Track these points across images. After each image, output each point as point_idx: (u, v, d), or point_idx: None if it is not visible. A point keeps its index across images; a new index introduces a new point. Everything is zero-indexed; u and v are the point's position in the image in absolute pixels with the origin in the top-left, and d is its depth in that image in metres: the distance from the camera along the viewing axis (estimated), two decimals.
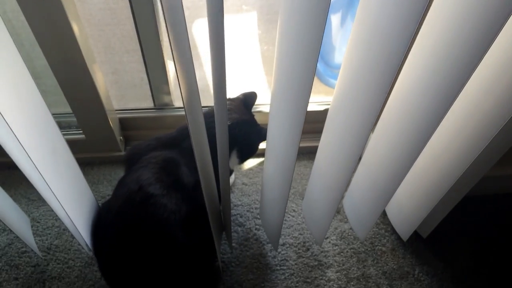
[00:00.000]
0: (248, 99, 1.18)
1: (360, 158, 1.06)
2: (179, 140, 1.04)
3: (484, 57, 0.59)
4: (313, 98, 1.38)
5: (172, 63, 0.57)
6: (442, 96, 0.68)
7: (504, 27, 0.54)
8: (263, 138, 1.12)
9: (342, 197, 1.32)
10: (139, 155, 1.04)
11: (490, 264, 1.22)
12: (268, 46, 1.91)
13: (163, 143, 1.06)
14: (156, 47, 1.22)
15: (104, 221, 1.00)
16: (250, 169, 1.41)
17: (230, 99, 1.15)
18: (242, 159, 1.15)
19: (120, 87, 1.69)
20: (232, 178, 1.36)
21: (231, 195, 1.34)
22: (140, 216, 0.91)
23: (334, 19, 1.74)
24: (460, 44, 0.62)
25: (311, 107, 1.41)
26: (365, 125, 0.73)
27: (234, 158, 1.12)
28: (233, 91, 1.17)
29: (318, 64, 1.72)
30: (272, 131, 0.91)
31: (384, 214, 1.30)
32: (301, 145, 1.45)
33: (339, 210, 1.31)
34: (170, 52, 0.54)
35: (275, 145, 0.91)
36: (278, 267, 1.18)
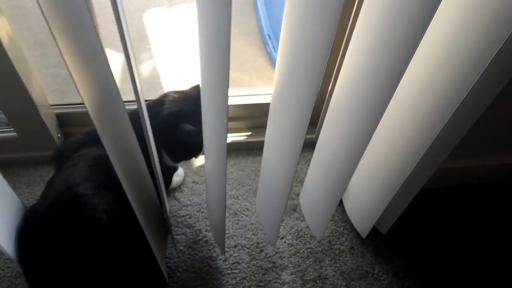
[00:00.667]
0: (197, 92, 1.06)
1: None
2: None
3: (427, 48, 0.62)
4: (269, 89, 1.31)
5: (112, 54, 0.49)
6: (383, 81, 0.66)
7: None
8: (191, 138, 0.99)
9: (298, 193, 1.25)
10: (69, 152, 0.94)
11: (451, 259, 1.17)
12: None
13: (94, 138, 0.95)
14: None
15: (29, 226, 0.91)
16: (202, 166, 1.32)
17: (174, 91, 1.05)
18: (174, 159, 1.05)
19: (62, 81, 1.57)
20: (180, 176, 1.26)
21: (180, 194, 1.24)
22: (69, 218, 0.83)
23: None
24: (391, 37, 0.62)
25: (265, 99, 1.33)
26: (303, 115, 0.69)
27: (166, 156, 1.02)
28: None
29: (275, 54, 1.66)
30: (204, 126, 0.85)
31: (342, 211, 1.23)
32: (255, 139, 1.40)
33: (295, 208, 1.24)
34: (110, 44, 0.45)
35: (207, 139, 0.87)
36: (229, 271, 1.09)
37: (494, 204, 1.32)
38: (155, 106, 0.99)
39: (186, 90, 1.05)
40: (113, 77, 0.61)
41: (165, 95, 1.02)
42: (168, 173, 1.09)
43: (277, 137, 0.88)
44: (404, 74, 0.62)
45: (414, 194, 1.00)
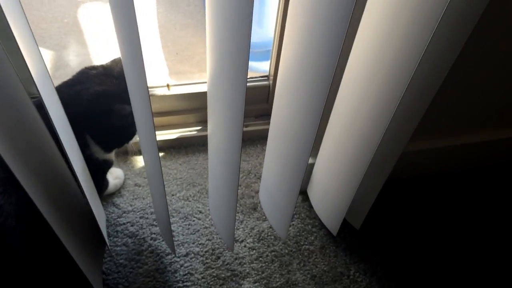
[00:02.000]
0: (120, 66, 0.90)
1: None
2: None
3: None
4: None
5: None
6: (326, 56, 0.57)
7: None
8: (121, 117, 0.85)
9: (258, 191, 1.10)
10: None
11: (431, 252, 1.04)
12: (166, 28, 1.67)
13: None
14: None
15: None
16: (144, 167, 1.15)
17: (91, 67, 0.88)
18: (104, 148, 0.88)
19: None
20: (120, 178, 1.08)
21: (120, 199, 1.06)
22: None
23: None
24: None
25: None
26: (238, 101, 0.59)
27: (94, 146, 0.85)
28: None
29: None
30: (135, 115, 0.74)
31: (309, 207, 1.08)
32: (206, 134, 1.24)
33: (255, 207, 1.08)
34: None
35: (140, 132, 0.74)
36: (181, 284, 0.92)
37: (465, 190, 1.20)
38: (71, 87, 0.81)
39: (104, 65, 0.89)
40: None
41: (81, 73, 0.85)
42: (100, 168, 0.91)
43: (217, 130, 0.76)
44: (352, 50, 0.57)
45: (382, 183, 0.88)
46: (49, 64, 1.43)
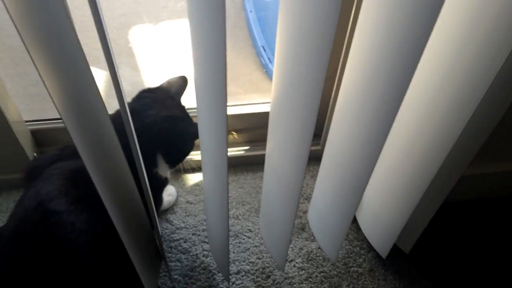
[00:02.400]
0: (175, 86, 0.97)
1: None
2: None
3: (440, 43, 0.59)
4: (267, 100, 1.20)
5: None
6: (393, 82, 0.58)
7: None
8: (193, 135, 0.91)
9: (306, 211, 1.12)
10: (42, 168, 0.80)
11: (484, 278, 1.03)
12: None
13: (72, 152, 0.82)
14: None
15: None
16: (196, 184, 1.18)
17: (149, 90, 0.93)
18: (172, 164, 0.94)
19: (41, 100, 1.44)
20: (173, 195, 1.12)
21: (173, 216, 1.10)
22: (39, 240, 0.70)
23: None
24: (398, 32, 0.55)
25: (266, 108, 1.21)
26: (307, 123, 0.61)
27: (162, 164, 0.90)
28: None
29: (270, 65, 1.56)
30: (200, 134, 0.75)
31: (357, 228, 1.09)
32: (254, 153, 1.27)
33: (304, 227, 1.09)
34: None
35: (204, 150, 0.76)
36: None
37: None
38: (139, 113, 0.87)
39: (161, 86, 0.96)
40: (96, 86, 0.52)
41: (141, 97, 0.91)
42: (160, 185, 0.95)
43: (279, 150, 0.77)
44: (416, 72, 0.53)
45: (437, 207, 0.88)
46: (102, 84, 1.49)
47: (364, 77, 0.65)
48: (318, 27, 0.51)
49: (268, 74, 1.59)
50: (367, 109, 0.66)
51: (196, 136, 0.90)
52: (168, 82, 0.98)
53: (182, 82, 0.98)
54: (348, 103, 0.73)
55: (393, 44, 0.56)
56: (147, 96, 0.91)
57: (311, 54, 0.55)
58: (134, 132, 0.63)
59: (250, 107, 1.21)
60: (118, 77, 0.51)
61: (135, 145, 0.61)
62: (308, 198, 1.16)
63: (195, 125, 0.89)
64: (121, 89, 0.54)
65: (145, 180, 0.67)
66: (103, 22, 0.46)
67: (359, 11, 0.64)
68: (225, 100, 0.56)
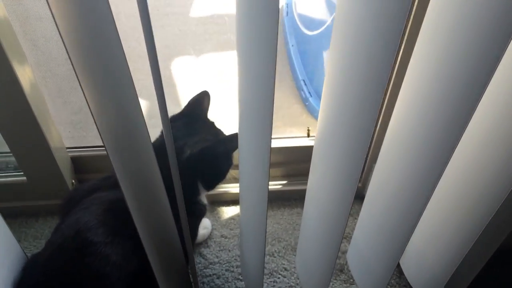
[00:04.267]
0: (197, 105, 0.93)
1: (363, 198, 0.84)
2: None
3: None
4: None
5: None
6: (449, 118, 0.54)
7: None
8: (230, 148, 0.89)
9: (345, 251, 1.06)
10: (81, 197, 0.80)
11: None
12: None
13: (112, 182, 0.82)
14: None
15: (28, 277, 0.77)
16: (231, 218, 1.15)
17: (175, 118, 0.92)
18: (212, 187, 0.92)
19: (82, 128, 1.47)
20: (207, 228, 1.10)
21: (207, 250, 1.07)
22: (74, 269, 0.70)
23: (326, 54, 1.59)
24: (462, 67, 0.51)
25: (304, 142, 1.18)
26: (355, 160, 0.58)
27: (202, 190, 0.89)
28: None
29: (311, 99, 1.54)
30: (241, 168, 0.73)
31: (400, 272, 1.03)
32: (291, 188, 1.23)
33: (342, 268, 1.04)
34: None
35: (244, 185, 0.74)
36: None
37: None
38: (177, 139, 0.86)
39: (185, 112, 0.94)
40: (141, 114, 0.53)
41: (178, 125, 0.90)
42: (201, 214, 0.93)
43: (322, 187, 0.74)
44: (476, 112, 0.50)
45: (491, 253, 0.81)
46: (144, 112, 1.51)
47: (417, 116, 0.62)
48: (375, 61, 0.49)
49: (308, 108, 1.57)
50: (418, 147, 0.63)
51: (229, 152, 0.89)
52: (189, 104, 0.94)
53: (206, 98, 0.94)
54: (397, 138, 0.70)
55: (451, 84, 0.53)
56: (176, 126, 0.90)
57: (365, 89, 0.52)
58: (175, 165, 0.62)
59: (289, 140, 1.19)
60: (166, 110, 0.51)
61: (178, 177, 0.60)
62: (347, 238, 1.11)
63: (227, 141, 0.88)
64: (168, 122, 0.53)
65: (184, 212, 0.65)
66: (156, 55, 0.46)
67: (412, 44, 0.61)
68: (270, 135, 0.54)
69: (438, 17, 0.55)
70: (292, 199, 1.21)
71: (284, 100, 1.63)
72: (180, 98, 1.64)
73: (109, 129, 0.52)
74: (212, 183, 0.91)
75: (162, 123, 0.54)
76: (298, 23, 1.77)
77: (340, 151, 0.63)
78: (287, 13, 1.93)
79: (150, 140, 0.58)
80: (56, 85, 1.63)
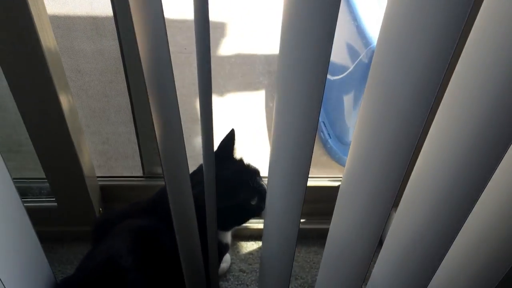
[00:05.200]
0: (223, 147, 0.94)
1: (381, 242, 0.87)
2: (161, 205, 0.83)
3: None
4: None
5: None
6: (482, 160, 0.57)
7: None
8: (251, 207, 0.89)
9: None
10: (111, 224, 0.85)
11: None
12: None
13: (142, 209, 0.87)
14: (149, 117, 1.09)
15: None
16: (250, 253, 1.18)
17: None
18: (224, 228, 0.94)
19: (109, 158, 1.53)
20: (227, 262, 1.13)
21: (225, 284, 1.09)
22: None
23: (347, 99, 1.66)
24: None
25: (323, 183, 1.22)
26: (381, 204, 0.62)
27: (220, 232, 0.91)
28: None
29: (332, 142, 1.59)
30: (269, 205, 0.75)
31: None
32: (312, 226, 1.26)
33: None
34: None
35: (271, 220, 0.76)
36: None
37: None
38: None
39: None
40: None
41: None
42: (221, 252, 0.96)
43: (345, 226, 0.76)
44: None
45: None
46: None
47: (441, 163, 0.65)
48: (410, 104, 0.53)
49: (327, 149, 1.62)
50: (445, 195, 0.65)
51: (254, 209, 0.90)
52: (220, 146, 0.96)
53: (231, 137, 0.95)
54: (422, 187, 0.72)
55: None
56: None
57: (398, 134, 0.56)
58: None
59: (309, 180, 1.23)
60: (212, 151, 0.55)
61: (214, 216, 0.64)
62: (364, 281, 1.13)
63: (256, 192, 0.89)
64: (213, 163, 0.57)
65: (215, 246, 0.69)
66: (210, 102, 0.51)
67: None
68: (307, 177, 0.57)
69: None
70: (309, 238, 1.24)
71: None
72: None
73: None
74: (223, 224, 0.88)
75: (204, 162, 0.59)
76: None
77: (367, 196, 0.66)
78: None
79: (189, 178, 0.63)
80: (85, 115, 1.70)
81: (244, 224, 1.20)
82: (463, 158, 0.59)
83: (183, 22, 2.24)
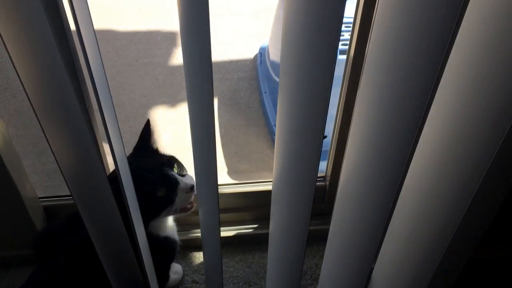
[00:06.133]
0: (141, 139, 0.91)
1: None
2: None
3: None
4: None
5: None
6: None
7: None
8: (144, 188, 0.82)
9: None
10: (52, 238, 0.83)
11: None
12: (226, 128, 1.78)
13: (77, 222, 0.84)
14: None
15: None
16: (203, 263, 1.17)
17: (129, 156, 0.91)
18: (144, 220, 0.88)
19: (58, 177, 1.49)
20: (179, 273, 1.11)
21: None
22: None
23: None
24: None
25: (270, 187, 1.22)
26: (304, 201, 0.65)
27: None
28: None
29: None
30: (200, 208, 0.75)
31: None
32: (262, 232, 1.25)
33: None
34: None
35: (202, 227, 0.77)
36: None
37: None
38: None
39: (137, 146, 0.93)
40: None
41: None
42: (165, 249, 0.93)
43: (280, 228, 0.77)
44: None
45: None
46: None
47: (364, 154, 0.66)
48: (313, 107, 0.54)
49: None
50: (368, 187, 0.67)
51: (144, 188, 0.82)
52: (139, 138, 0.93)
53: (147, 127, 0.91)
54: (349, 180, 0.74)
55: (390, 121, 0.57)
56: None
57: (307, 133, 0.57)
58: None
59: (260, 185, 1.23)
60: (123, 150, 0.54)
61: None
62: (317, 280, 1.13)
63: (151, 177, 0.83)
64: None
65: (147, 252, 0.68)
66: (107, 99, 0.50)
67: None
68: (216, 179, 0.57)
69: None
70: (263, 243, 1.22)
71: (258, 145, 1.68)
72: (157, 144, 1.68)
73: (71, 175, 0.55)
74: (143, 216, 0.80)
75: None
76: (271, 71, 1.85)
77: (291, 194, 0.67)
78: (261, 61, 2.02)
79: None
80: (33, 134, 1.66)
81: (196, 234, 1.19)
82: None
83: (134, 34, 2.22)
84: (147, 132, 0.90)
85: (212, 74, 0.49)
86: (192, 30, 0.49)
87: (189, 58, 0.54)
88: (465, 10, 0.53)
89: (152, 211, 0.85)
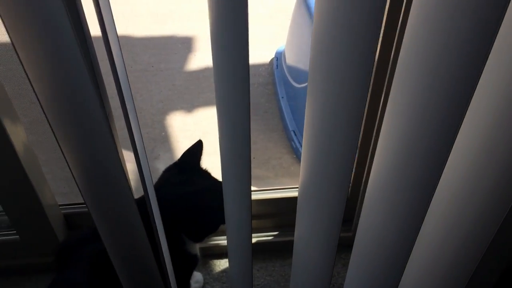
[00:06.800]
0: (189, 155, 0.93)
1: None
2: None
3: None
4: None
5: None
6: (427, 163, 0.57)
7: None
8: (212, 198, 0.85)
9: None
10: (75, 249, 0.82)
11: None
12: None
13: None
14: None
15: None
16: (223, 271, 1.15)
17: (167, 169, 0.93)
18: (196, 239, 0.90)
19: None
20: (199, 282, 1.10)
21: None
22: None
23: None
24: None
25: (292, 193, 1.20)
26: (335, 209, 0.64)
27: (188, 241, 0.88)
28: None
29: (301, 148, 1.57)
30: (226, 217, 0.73)
31: None
32: (283, 239, 1.23)
33: None
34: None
35: (229, 234, 0.76)
36: None
37: None
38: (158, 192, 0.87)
39: (180, 162, 0.94)
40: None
41: (163, 177, 0.91)
42: (190, 265, 0.92)
43: (307, 237, 0.75)
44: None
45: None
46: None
47: (395, 161, 0.64)
48: (346, 112, 0.53)
49: (299, 158, 1.60)
50: (400, 193, 0.64)
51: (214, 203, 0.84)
52: (182, 155, 0.95)
53: (198, 147, 0.94)
54: (378, 187, 0.72)
55: (426, 125, 0.55)
56: (167, 176, 0.91)
57: (340, 139, 0.56)
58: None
59: (279, 191, 1.21)
60: (146, 164, 0.53)
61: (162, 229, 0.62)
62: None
63: (208, 190, 0.87)
64: (149, 175, 0.56)
65: (170, 263, 0.67)
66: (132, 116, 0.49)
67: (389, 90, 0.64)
68: (249, 183, 0.56)
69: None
70: (284, 250, 1.21)
71: (276, 151, 1.66)
72: (174, 151, 1.67)
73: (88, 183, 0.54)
74: (196, 235, 0.89)
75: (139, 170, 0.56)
76: (287, 75, 1.83)
77: (320, 201, 0.65)
78: (277, 65, 2.00)
79: (132, 194, 0.60)
80: (50, 141, 1.67)
81: (216, 242, 1.18)
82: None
83: (149, 39, 2.23)
84: (198, 152, 0.92)
85: (249, 83, 0.48)
86: (228, 36, 0.47)
87: (223, 65, 0.52)
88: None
89: (216, 225, 0.89)
